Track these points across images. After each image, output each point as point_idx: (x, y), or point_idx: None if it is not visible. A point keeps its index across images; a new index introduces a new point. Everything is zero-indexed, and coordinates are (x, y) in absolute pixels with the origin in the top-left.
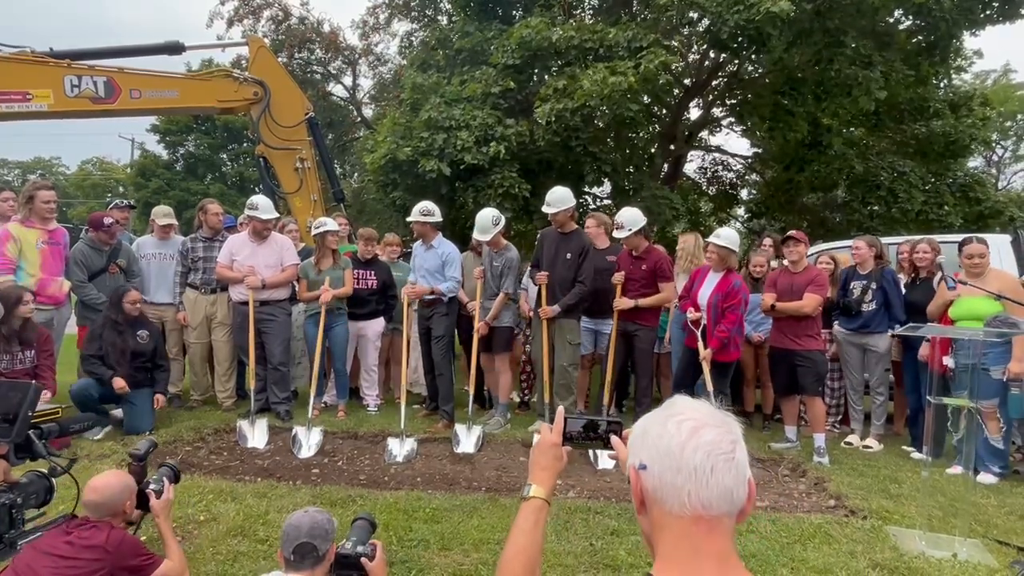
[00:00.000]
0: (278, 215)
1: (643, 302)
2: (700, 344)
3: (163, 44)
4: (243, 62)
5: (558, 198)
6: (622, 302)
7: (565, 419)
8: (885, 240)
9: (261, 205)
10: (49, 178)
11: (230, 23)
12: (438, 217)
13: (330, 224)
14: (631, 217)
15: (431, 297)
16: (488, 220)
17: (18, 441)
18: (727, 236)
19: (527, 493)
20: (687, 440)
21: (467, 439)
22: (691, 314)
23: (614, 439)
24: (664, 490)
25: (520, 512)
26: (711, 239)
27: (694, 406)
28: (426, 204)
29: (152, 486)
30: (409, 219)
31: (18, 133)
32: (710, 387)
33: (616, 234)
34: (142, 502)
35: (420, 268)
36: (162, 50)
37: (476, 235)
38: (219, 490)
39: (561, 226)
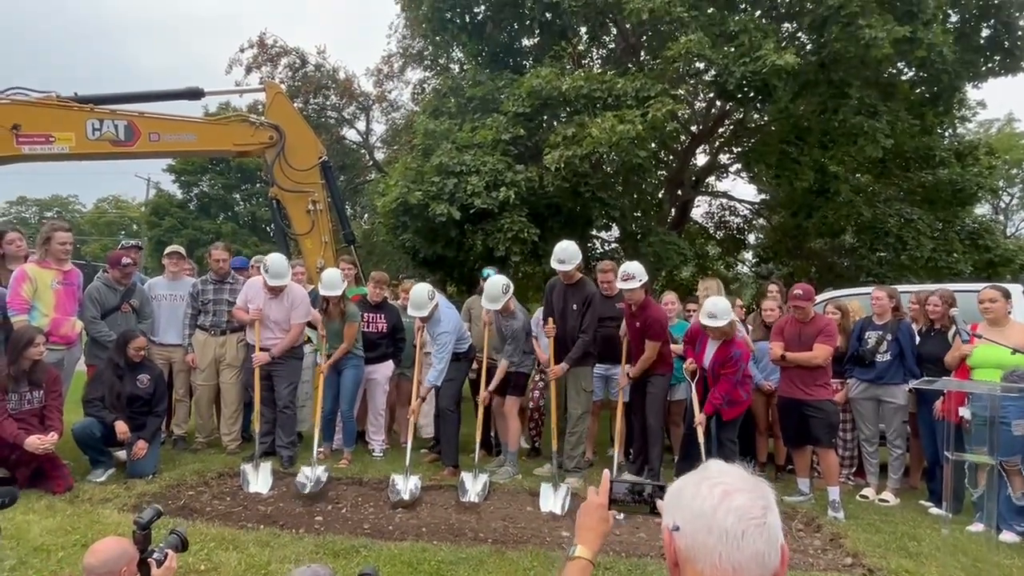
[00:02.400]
0: (289, 280)
1: (632, 372)
2: (696, 407)
3: (183, 90)
4: (260, 107)
5: (571, 255)
6: (624, 373)
7: (611, 482)
8: (900, 289)
9: (273, 270)
10: (65, 215)
11: (248, 69)
12: (433, 305)
13: (325, 288)
14: (640, 269)
15: None
16: (498, 289)
17: None
18: (722, 312)
19: (572, 553)
20: (719, 503)
21: (473, 487)
22: (688, 364)
23: (660, 504)
24: (696, 550)
25: (565, 571)
26: (704, 321)
27: (727, 470)
28: (420, 297)
29: (155, 555)
30: (411, 312)
31: (38, 172)
32: (703, 456)
33: (624, 285)
34: (145, 571)
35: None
36: (182, 95)
37: (485, 303)
38: (221, 538)
39: (570, 279)
